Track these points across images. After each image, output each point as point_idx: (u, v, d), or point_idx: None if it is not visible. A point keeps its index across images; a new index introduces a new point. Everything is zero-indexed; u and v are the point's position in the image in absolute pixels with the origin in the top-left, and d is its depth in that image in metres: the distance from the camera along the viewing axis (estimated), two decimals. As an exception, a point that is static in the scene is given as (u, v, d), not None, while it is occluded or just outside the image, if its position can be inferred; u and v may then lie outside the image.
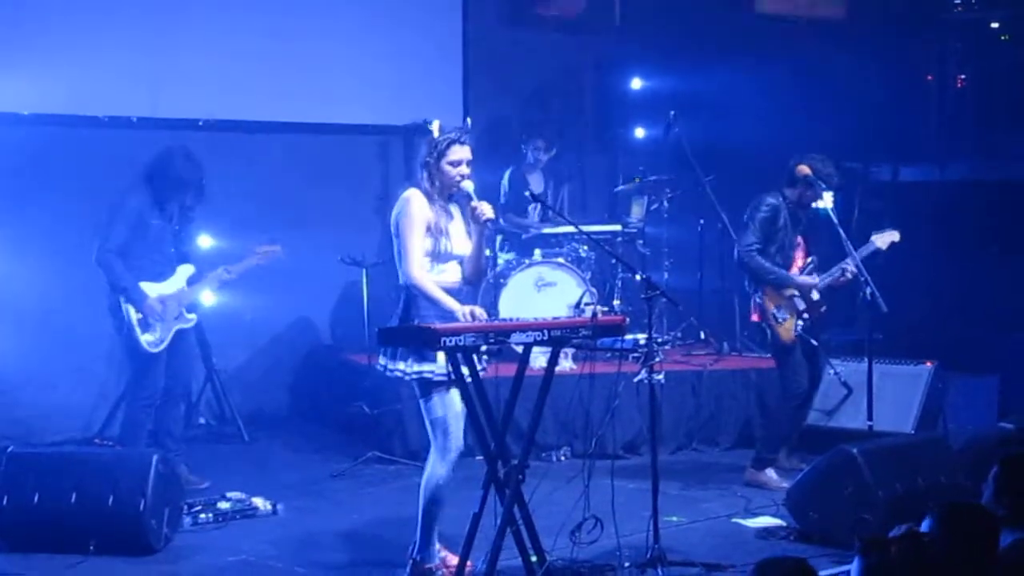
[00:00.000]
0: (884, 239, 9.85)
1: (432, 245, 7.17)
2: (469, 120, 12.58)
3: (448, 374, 7.01)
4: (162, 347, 9.47)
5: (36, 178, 11.39)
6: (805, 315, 9.84)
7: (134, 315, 9.35)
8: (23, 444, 9.42)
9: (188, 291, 9.68)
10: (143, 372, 9.58)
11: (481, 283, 7.72)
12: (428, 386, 7.13)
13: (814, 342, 9.86)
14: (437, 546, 7.39)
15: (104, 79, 11.61)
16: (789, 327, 9.82)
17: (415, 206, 7.17)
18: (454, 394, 7.12)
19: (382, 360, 7.22)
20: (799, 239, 10.01)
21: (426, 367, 7.06)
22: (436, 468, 7.23)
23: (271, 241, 10.14)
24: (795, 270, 9.93)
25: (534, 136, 12.68)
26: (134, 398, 9.71)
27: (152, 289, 9.42)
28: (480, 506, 6.96)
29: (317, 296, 12.89)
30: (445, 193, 7.25)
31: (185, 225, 9.93)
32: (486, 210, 7.18)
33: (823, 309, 9.94)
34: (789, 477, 9.43)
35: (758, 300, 9.93)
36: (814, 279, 9.85)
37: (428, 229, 7.15)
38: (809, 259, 10.00)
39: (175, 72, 11.84)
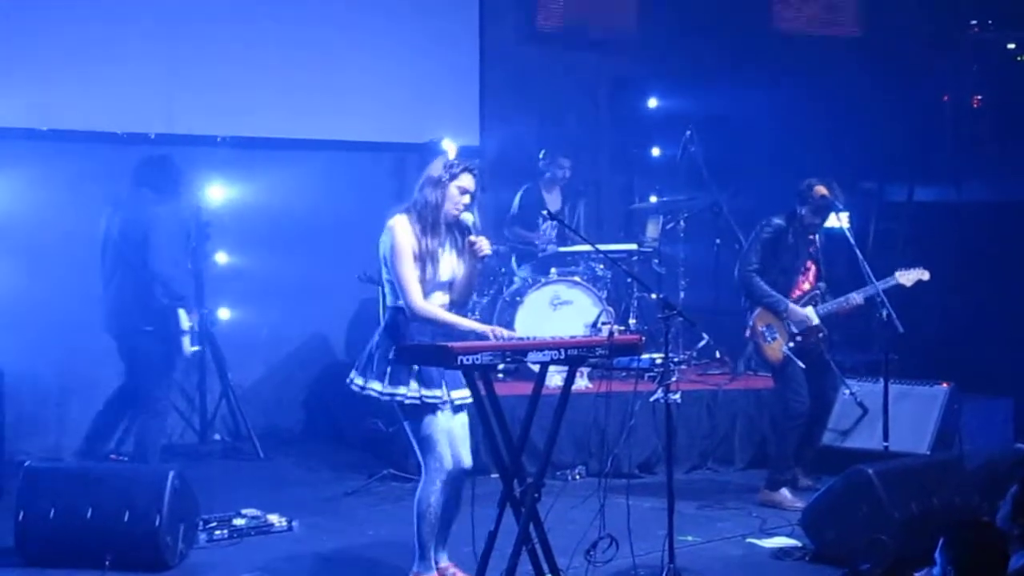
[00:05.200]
0: (910, 277, 9.77)
1: (420, 273, 7.16)
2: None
3: (419, 398, 7.07)
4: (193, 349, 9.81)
5: (53, 193, 11.42)
6: (798, 338, 9.83)
7: (185, 323, 9.57)
8: (39, 459, 9.44)
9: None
10: (166, 381, 9.86)
11: (468, 304, 7.74)
12: (404, 408, 7.16)
13: (802, 364, 9.83)
14: (443, 559, 7.44)
15: (122, 96, 11.66)
16: (776, 347, 9.82)
17: (400, 234, 7.17)
18: (440, 415, 7.15)
19: (356, 379, 7.27)
20: (809, 264, 9.98)
21: (399, 390, 7.10)
22: (424, 485, 7.26)
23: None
24: (799, 294, 9.91)
25: (559, 155, 12.73)
26: (156, 410, 9.87)
27: None
28: (496, 524, 6.96)
29: (333, 313, 12.90)
30: (441, 216, 7.25)
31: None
32: (484, 246, 7.21)
33: (822, 334, 9.92)
34: (804, 497, 9.42)
35: (750, 318, 9.95)
36: (803, 312, 9.83)
37: (416, 257, 7.15)
38: (817, 286, 9.97)
39: (193, 89, 11.90)
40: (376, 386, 7.17)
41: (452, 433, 7.27)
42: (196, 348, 9.77)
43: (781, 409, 10.05)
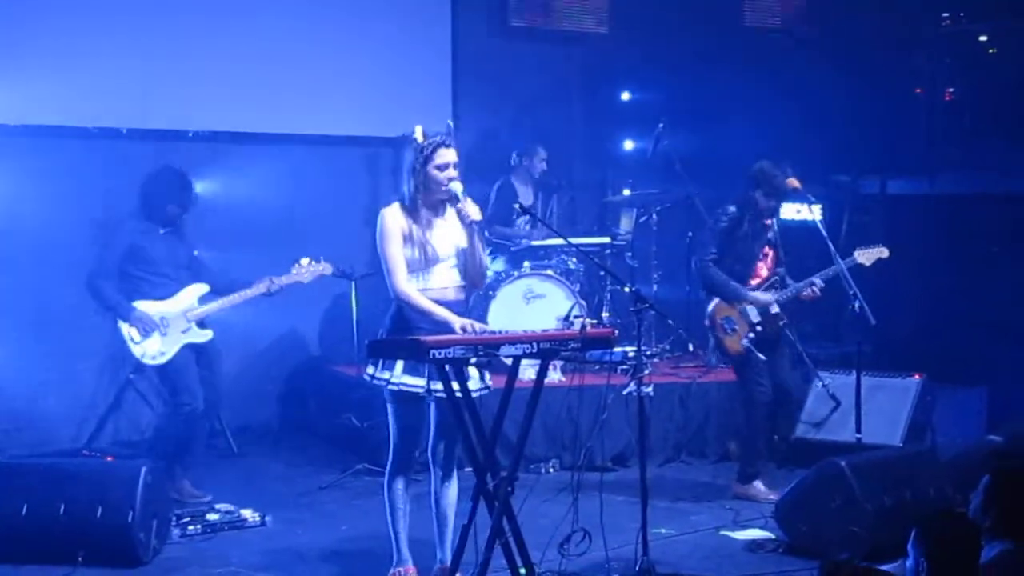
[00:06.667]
0: (869, 255, 9.80)
1: (411, 254, 7.16)
2: (451, 122, 12.56)
3: (398, 385, 7.10)
4: (163, 360, 9.64)
5: (26, 189, 11.34)
6: (758, 327, 9.83)
7: (125, 330, 9.55)
8: (11, 455, 9.42)
9: (199, 308, 9.79)
10: (170, 386, 9.82)
11: (482, 285, 7.72)
12: (388, 392, 7.21)
13: (762, 357, 9.83)
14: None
15: (94, 90, 11.60)
16: (736, 339, 9.83)
17: (388, 220, 7.19)
18: (419, 406, 7.19)
19: (369, 370, 7.28)
20: (766, 250, 9.99)
21: (384, 375, 7.14)
22: (388, 478, 7.37)
23: (302, 258, 10.12)
24: (757, 281, 9.92)
25: (535, 147, 12.72)
26: (170, 413, 9.90)
27: (150, 307, 9.61)
28: (469, 518, 6.95)
29: (306, 308, 12.85)
30: (432, 199, 7.23)
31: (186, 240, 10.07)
32: (471, 211, 7.18)
33: (783, 323, 9.91)
34: (777, 489, 9.44)
35: (709, 309, 9.96)
36: (768, 296, 9.84)
37: (406, 239, 7.16)
38: (776, 272, 9.99)
39: (165, 83, 11.84)
40: (369, 370, 7.24)
41: (439, 424, 7.28)
42: (161, 360, 9.68)
43: (745, 400, 10.06)
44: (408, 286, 7.15)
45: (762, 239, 9.92)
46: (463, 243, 7.30)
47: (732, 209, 9.85)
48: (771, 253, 10.00)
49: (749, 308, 9.80)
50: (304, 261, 10.02)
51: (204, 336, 9.85)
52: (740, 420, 10.38)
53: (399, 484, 7.32)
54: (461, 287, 7.35)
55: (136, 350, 9.57)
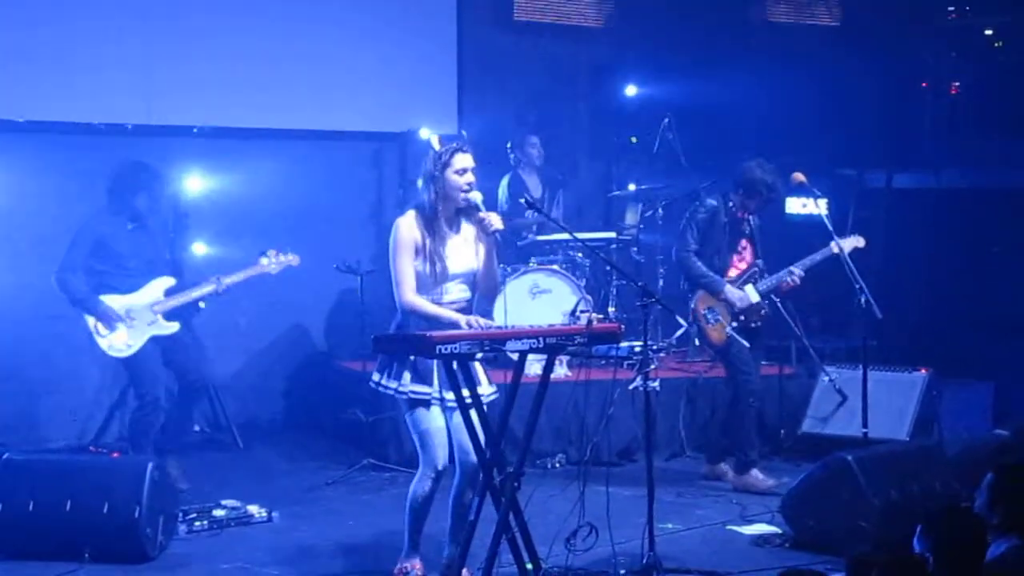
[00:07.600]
0: (845, 244, 9.83)
1: (423, 267, 7.14)
2: (465, 133, 12.55)
3: (407, 393, 7.09)
4: (129, 352, 9.73)
5: (32, 185, 11.39)
6: (741, 317, 9.90)
7: (91, 323, 9.68)
8: (18, 451, 9.41)
9: (165, 301, 9.83)
10: (133, 377, 9.93)
11: (496, 295, 7.69)
12: (400, 402, 7.22)
13: (746, 344, 9.89)
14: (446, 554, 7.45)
15: (99, 86, 11.61)
16: (720, 328, 9.90)
17: (403, 230, 7.18)
18: (433, 411, 7.14)
19: (375, 376, 7.28)
20: (743, 243, 10.07)
21: (392, 384, 7.13)
22: (417, 480, 7.32)
23: (280, 249, 10.12)
24: (734, 273, 10.01)
25: (525, 135, 12.72)
26: (136, 405, 9.91)
27: (115, 300, 9.69)
28: (476, 514, 6.95)
29: (312, 303, 12.87)
30: (451, 207, 7.22)
31: (166, 233, 10.08)
32: (495, 221, 7.18)
33: (763, 312, 10.03)
34: (775, 475, 9.46)
35: (691, 301, 9.99)
36: (741, 293, 9.89)
37: (418, 252, 7.14)
38: (754, 264, 10.03)
39: (170, 79, 11.83)
40: (375, 376, 7.25)
41: (456, 429, 7.23)
42: (127, 352, 9.73)
43: (733, 390, 10.11)
44: (415, 296, 7.14)
45: (739, 232, 10.02)
46: (473, 264, 7.31)
47: (710, 202, 10.00)
48: (748, 247, 10.08)
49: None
50: (271, 252, 10.04)
51: (170, 328, 9.87)
52: (726, 410, 10.38)
53: (426, 487, 7.26)
54: (468, 299, 7.35)
55: (102, 343, 9.69)
